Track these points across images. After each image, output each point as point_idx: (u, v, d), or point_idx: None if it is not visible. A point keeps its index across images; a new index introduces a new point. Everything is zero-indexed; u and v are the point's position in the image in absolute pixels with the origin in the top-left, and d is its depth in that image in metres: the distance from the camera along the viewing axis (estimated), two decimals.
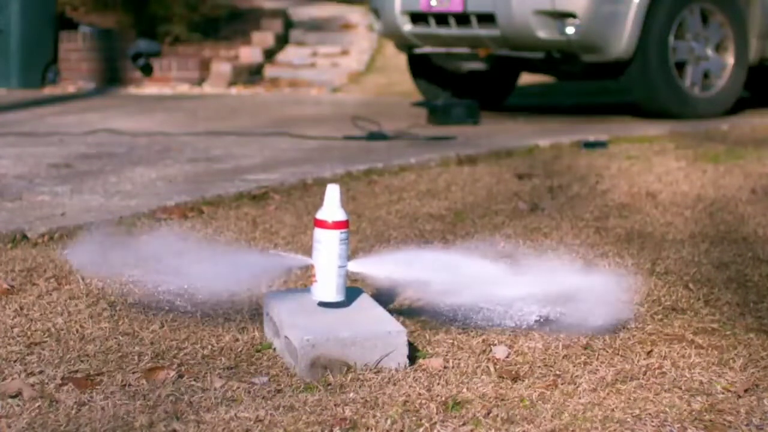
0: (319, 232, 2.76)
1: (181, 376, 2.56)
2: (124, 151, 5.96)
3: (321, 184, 4.80)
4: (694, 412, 2.33)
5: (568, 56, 7.33)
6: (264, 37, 11.26)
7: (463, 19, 7.54)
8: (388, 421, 2.27)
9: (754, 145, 6.14)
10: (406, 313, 3.00)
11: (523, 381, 2.51)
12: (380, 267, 2.90)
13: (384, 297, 3.08)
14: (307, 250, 2.90)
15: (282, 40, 11.51)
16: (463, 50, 7.76)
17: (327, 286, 2.77)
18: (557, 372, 2.57)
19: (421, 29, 7.83)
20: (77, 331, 2.87)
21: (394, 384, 2.48)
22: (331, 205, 2.76)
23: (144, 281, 3.01)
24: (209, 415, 2.32)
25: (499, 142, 6.21)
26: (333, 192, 2.78)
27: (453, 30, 7.63)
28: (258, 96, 9.81)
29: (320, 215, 2.76)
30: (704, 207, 4.43)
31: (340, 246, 2.75)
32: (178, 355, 2.70)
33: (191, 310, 3.03)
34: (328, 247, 2.75)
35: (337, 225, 2.75)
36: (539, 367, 2.60)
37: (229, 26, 11.58)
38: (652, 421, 2.28)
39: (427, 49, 7.97)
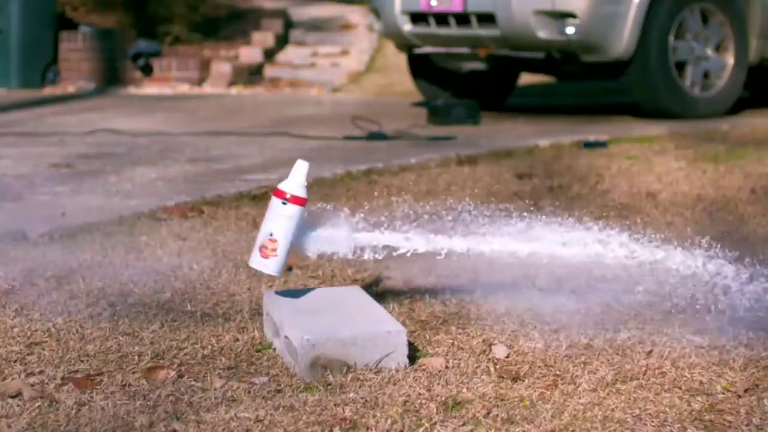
0: (292, 208, 2.79)
1: (181, 376, 2.56)
2: (124, 151, 5.96)
3: (321, 184, 4.80)
4: (694, 412, 2.33)
5: (568, 56, 7.33)
6: (264, 37, 11.26)
7: (463, 19, 7.54)
8: (388, 421, 2.27)
9: (754, 145, 6.14)
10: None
11: (523, 381, 2.51)
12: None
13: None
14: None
15: (282, 40, 11.51)
16: (463, 50, 7.76)
17: (282, 260, 2.80)
18: (557, 372, 2.57)
19: (421, 29, 7.82)
20: (77, 331, 2.87)
21: (394, 384, 2.48)
22: (301, 181, 2.80)
23: None
24: (209, 415, 2.32)
25: (499, 142, 6.21)
26: (302, 168, 2.82)
27: (453, 30, 7.63)
28: (258, 96, 9.81)
29: (293, 191, 2.79)
30: (704, 207, 4.43)
31: (294, 222, 2.80)
32: (178, 355, 2.70)
33: (191, 310, 3.03)
34: (293, 222, 2.79)
35: (304, 201, 2.80)
36: (539, 367, 2.60)
37: (229, 26, 11.58)
38: (652, 421, 2.28)
39: (427, 49, 7.97)
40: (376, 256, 2.90)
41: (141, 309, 3.05)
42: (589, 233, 2.90)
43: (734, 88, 7.67)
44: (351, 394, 2.42)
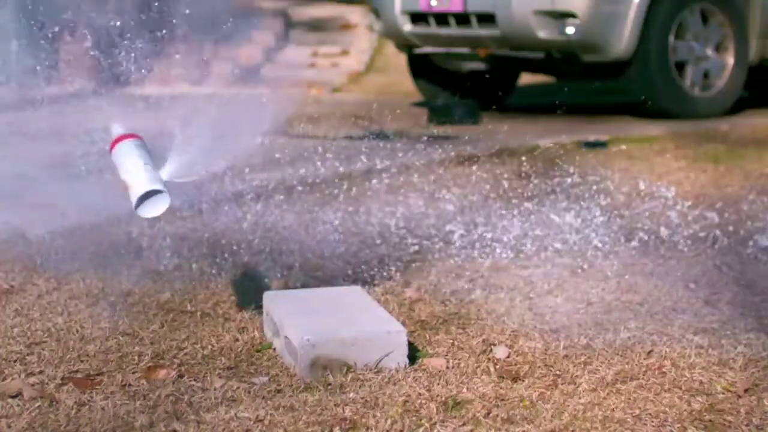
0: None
1: (181, 376, 2.56)
2: None
3: (321, 183, 4.80)
4: (694, 412, 2.33)
5: (568, 56, 7.32)
6: (264, 37, 11.26)
7: (463, 19, 7.54)
8: (388, 421, 2.27)
9: (754, 145, 6.14)
10: None
11: (523, 381, 2.51)
12: None
13: None
14: (310, 249, 2.90)
15: (282, 40, 11.51)
16: (463, 50, 7.76)
17: (140, 181, 2.86)
18: (557, 372, 2.57)
19: (421, 29, 7.82)
20: (77, 331, 2.87)
21: (394, 384, 2.48)
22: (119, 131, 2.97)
23: None
24: (209, 415, 2.32)
25: (500, 142, 6.21)
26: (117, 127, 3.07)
27: (453, 30, 7.63)
28: (258, 96, 9.79)
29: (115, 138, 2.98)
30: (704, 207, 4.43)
31: (138, 150, 2.94)
32: (178, 355, 2.70)
33: (191, 310, 3.03)
34: (128, 154, 2.93)
35: (129, 136, 3.02)
36: (539, 367, 2.60)
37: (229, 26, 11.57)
38: (652, 421, 2.28)
39: (427, 49, 7.97)
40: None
41: (141, 309, 3.05)
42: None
43: (734, 88, 7.67)
44: (351, 394, 2.42)
